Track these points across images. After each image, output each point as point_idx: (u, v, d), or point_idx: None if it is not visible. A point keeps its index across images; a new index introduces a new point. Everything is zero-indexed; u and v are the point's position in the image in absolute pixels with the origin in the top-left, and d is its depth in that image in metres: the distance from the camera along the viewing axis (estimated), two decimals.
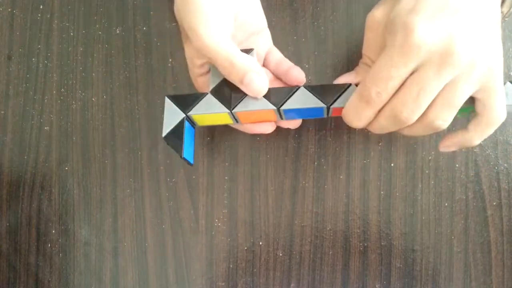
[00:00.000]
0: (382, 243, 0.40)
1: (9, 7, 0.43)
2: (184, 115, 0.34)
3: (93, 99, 0.42)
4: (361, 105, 0.29)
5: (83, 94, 0.42)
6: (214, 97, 0.34)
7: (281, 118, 0.34)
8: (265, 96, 0.33)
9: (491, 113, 0.29)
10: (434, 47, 0.26)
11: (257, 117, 0.34)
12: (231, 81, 0.32)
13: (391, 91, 0.28)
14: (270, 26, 0.40)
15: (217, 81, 0.34)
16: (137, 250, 0.41)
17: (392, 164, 0.40)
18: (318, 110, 0.33)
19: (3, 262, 0.42)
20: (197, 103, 0.34)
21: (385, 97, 0.28)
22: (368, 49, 0.32)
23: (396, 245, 0.40)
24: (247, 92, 0.32)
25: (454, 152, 0.39)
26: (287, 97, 0.33)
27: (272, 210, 0.40)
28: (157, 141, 0.41)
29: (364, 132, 0.39)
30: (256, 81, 0.31)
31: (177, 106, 0.34)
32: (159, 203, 0.41)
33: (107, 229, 0.41)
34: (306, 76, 0.40)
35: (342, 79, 0.33)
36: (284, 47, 0.40)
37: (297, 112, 0.34)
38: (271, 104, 0.33)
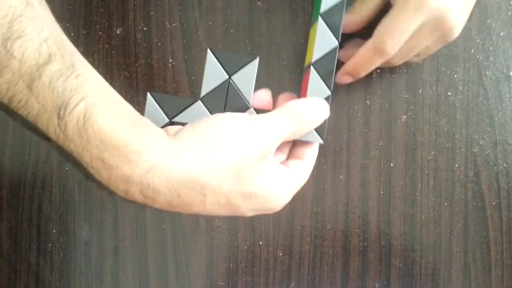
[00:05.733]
0: (382, 243, 0.40)
1: None
2: (168, 120, 0.31)
3: None
4: (374, 57, 0.32)
5: None
6: (205, 106, 0.31)
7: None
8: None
9: None
10: (437, 12, 0.30)
11: None
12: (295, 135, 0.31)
13: (402, 43, 0.31)
14: (270, 26, 0.40)
15: (211, 86, 0.31)
16: (137, 250, 0.41)
17: (392, 164, 0.40)
18: None
19: (4, 262, 0.42)
20: (184, 109, 0.31)
21: (397, 49, 0.31)
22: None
23: (396, 245, 0.40)
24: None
25: (453, 152, 0.39)
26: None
27: None
28: None
29: (364, 132, 0.40)
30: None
31: (160, 108, 0.31)
32: None
33: (107, 229, 0.41)
34: None
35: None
36: (284, 47, 0.40)
37: None
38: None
